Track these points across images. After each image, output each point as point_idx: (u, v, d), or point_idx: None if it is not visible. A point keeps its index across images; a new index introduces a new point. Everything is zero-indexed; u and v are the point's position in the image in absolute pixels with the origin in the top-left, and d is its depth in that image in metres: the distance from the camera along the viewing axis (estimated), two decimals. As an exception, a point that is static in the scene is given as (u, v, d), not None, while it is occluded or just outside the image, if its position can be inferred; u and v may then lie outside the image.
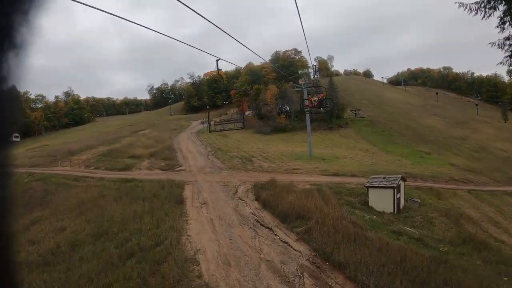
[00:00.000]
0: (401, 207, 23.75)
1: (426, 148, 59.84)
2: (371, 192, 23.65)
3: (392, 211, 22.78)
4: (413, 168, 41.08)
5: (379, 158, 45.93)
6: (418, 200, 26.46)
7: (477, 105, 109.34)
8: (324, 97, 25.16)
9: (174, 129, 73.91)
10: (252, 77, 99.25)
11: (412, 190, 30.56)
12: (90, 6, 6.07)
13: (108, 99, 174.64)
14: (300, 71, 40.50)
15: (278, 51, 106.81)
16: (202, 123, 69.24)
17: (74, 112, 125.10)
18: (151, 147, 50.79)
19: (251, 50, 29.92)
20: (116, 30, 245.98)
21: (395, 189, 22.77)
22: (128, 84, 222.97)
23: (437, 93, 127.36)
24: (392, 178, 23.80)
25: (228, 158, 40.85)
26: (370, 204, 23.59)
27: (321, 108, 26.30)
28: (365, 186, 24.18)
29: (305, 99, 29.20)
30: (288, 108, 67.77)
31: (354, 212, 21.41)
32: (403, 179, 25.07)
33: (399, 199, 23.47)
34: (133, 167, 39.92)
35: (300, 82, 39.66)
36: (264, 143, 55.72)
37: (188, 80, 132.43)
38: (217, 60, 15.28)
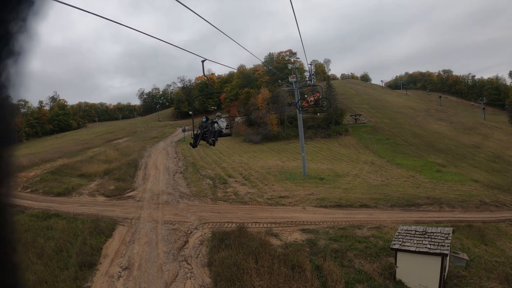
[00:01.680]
0: (445, 275, 13.53)
1: (439, 159, 49.83)
2: (402, 258, 13.37)
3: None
4: (434, 189, 31.01)
5: (390, 175, 35.72)
6: (466, 257, 16.24)
7: (484, 109, 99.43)
8: (320, 97, 23.21)
9: (154, 138, 63.64)
10: (244, 80, 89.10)
11: (446, 229, 20.69)
12: (86, 11, 5.66)
13: (101, 104, 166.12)
14: (290, 66, 30.55)
15: (272, 53, 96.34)
16: (184, 130, 59.10)
17: (59, 118, 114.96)
18: (113, 162, 40.61)
19: (244, 48, 23.93)
20: (111, 35, 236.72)
21: (444, 258, 12.62)
22: (124, 89, 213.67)
23: (440, 97, 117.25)
24: (437, 234, 13.49)
25: (198, 178, 30.59)
26: (398, 276, 13.43)
27: (318, 108, 25.14)
28: (392, 249, 13.80)
29: (299, 99, 27.17)
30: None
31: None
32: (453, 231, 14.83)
33: (445, 267, 13.30)
34: (74, 192, 29.71)
35: (291, 79, 29.49)
36: (251, 154, 45.47)
37: (179, 85, 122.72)
38: (202, 61, 10.96)
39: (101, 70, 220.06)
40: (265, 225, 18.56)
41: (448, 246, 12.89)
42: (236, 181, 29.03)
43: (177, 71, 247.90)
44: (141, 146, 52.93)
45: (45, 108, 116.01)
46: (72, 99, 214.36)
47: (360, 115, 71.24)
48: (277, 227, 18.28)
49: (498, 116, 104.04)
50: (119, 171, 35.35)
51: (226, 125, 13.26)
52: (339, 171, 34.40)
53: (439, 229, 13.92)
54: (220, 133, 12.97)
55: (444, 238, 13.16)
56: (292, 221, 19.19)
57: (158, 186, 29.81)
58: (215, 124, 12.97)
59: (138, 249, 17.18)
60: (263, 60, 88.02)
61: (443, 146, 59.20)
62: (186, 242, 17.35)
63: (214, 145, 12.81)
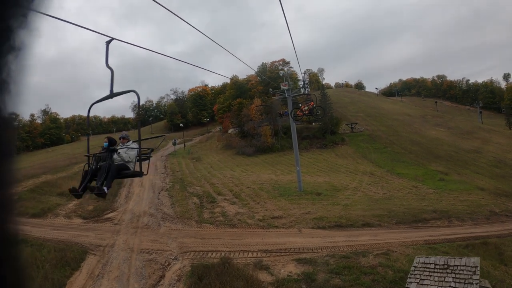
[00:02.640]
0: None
1: (440, 166, 47.43)
2: (422, 300, 10.71)
3: None
4: (440, 201, 28.56)
5: (391, 186, 33.16)
6: (488, 285, 13.59)
7: (481, 112, 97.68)
8: (314, 105, 23.06)
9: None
10: (237, 91, 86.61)
11: (459, 250, 18.26)
12: (80, 25, 5.54)
13: (95, 117, 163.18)
14: (282, 73, 28.01)
15: (265, 63, 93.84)
16: (174, 144, 56.52)
17: (51, 132, 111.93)
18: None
19: (237, 57, 20.80)
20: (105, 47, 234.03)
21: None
22: (119, 102, 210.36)
23: (436, 102, 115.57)
24: (462, 268, 10.81)
25: (184, 197, 27.89)
26: (417, 321, 10.75)
27: (312, 117, 25.15)
28: (409, 290, 11.11)
29: (293, 109, 26.47)
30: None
31: None
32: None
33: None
34: (50, 212, 26.90)
35: (283, 87, 26.95)
36: (244, 168, 42.83)
37: (173, 97, 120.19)
38: (107, 42, 6.39)
39: (96, 82, 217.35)
40: (254, 254, 15.85)
41: (477, 284, 10.29)
42: (225, 199, 26.30)
43: (173, 83, 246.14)
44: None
45: (36, 121, 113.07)
46: (66, 112, 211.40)
47: (356, 123, 68.94)
48: (269, 256, 15.57)
49: (494, 119, 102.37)
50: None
51: (140, 155, 7.16)
52: (337, 184, 31.79)
53: (463, 260, 11.29)
54: (120, 171, 6.99)
55: (471, 273, 10.56)
56: (286, 248, 16.47)
57: (141, 206, 27.08)
58: (116, 155, 7.10)
59: (106, 285, 14.47)
60: (256, 70, 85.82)
61: (443, 152, 56.83)
62: (162, 277, 14.63)
63: (103, 196, 6.60)
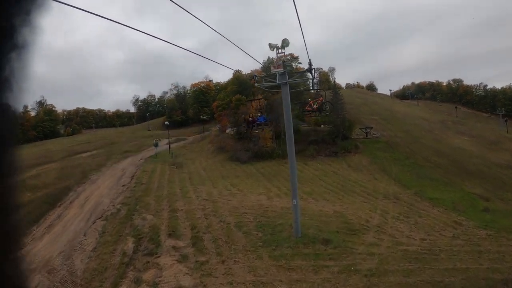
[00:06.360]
0: None
1: (476, 187, 36.84)
2: None
3: None
4: (501, 258, 18.09)
5: (428, 223, 22.62)
6: None
7: (506, 120, 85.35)
8: (323, 101, 20.79)
9: (126, 152, 51.02)
10: (239, 86, 76.19)
11: None
12: (89, 12, 5.23)
13: (100, 110, 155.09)
14: (270, 43, 18.61)
15: (272, 58, 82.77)
16: (156, 145, 46.50)
17: (44, 124, 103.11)
18: (39, 189, 28.32)
19: (243, 51, 14.05)
20: (115, 40, 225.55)
21: None
22: (127, 96, 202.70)
23: (456, 108, 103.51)
24: None
25: (118, 236, 17.82)
26: None
27: (321, 113, 22.65)
28: None
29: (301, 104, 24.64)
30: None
31: None
32: None
33: None
34: None
35: (273, 70, 16.13)
36: (231, 182, 32.56)
37: (175, 92, 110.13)
38: None
39: (104, 76, 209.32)
40: None
41: None
42: (174, 247, 16.03)
43: (180, 79, 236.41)
44: (99, 164, 40.38)
45: (30, 113, 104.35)
46: (70, 105, 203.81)
47: (372, 127, 57.85)
48: None
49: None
50: (24, 210, 22.75)
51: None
52: (353, 219, 21.27)
53: None
54: None
55: None
56: None
57: (52, 248, 17.23)
58: None
59: None
60: (262, 65, 75.12)
61: (473, 167, 45.83)
62: None
63: None
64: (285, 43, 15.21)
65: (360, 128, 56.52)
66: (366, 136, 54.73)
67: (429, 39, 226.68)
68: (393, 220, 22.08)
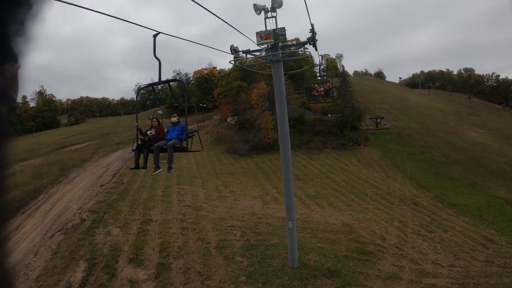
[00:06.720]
0: None
1: (501, 188, 32.53)
2: None
3: None
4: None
5: (454, 240, 18.49)
6: None
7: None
8: (330, 86, 20.02)
9: (118, 144, 47.24)
10: (241, 73, 71.75)
11: None
12: (91, 9, 4.80)
13: (104, 99, 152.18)
14: (254, 3, 14.93)
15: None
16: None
17: (43, 115, 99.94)
18: (3, 194, 24.29)
19: (246, 37, 12.26)
20: (120, 28, 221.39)
21: None
22: (133, 83, 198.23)
23: (469, 98, 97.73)
24: None
25: (69, 259, 13.97)
26: None
27: (328, 98, 21.21)
28: None
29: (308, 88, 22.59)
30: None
31: None
32: None
33: None
34: None
35: (259, 42, 11.67)
36: (223, 181, 28.59)
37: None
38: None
39: (110, 64, 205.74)
40: None
41: None
42: (131, 280, 12.18)
43: (187, 66, 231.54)
44: (83, 159, 36.63)
45: (28, 103, 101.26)
46: (74, 94, 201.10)
47: (382, 118, 53.38)
48: None
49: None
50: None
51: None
52: (365, 237, 17.14)
53: None
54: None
55: None
56: None
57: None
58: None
59: None
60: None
61: (495, 164, 41.36)
62: None
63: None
64: (276, 2, 10.83)
65: (370, 118, 52.18)
66: (377, 126, 50.35)
67: (437, 27, 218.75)
68: (413, 237, 17.96)
